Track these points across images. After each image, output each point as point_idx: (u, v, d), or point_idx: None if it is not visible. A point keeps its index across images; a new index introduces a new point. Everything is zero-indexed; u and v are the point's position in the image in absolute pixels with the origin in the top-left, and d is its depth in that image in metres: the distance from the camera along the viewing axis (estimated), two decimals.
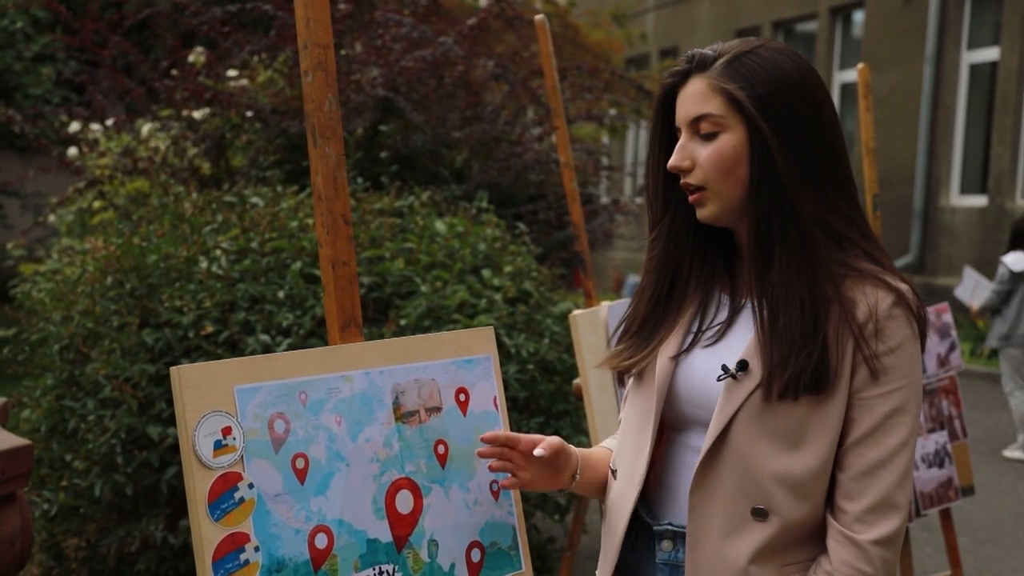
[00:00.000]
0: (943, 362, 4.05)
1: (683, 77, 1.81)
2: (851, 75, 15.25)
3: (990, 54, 13.41)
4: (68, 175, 6.62)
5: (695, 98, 1.77)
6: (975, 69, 13.69)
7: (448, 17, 7.60)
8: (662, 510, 1.86)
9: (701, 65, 1.78)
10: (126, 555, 3.70)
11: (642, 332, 1.90)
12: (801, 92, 1.75)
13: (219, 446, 1.56)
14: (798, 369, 1.68)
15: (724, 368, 1.76)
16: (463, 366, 1.87)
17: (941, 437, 3.96)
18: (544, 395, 4.07)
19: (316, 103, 1.77)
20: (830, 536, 1.73)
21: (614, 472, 1.95)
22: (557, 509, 4.19)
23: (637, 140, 20.85)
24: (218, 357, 3.63)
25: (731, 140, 1.74)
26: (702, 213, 1.80)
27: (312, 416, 1.66)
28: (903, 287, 1.73)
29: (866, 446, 1.70)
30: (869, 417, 1.70)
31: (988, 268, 12.85)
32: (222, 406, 1.57)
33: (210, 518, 1.54)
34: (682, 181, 1.80)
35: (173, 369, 1.54)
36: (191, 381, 1.55)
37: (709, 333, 1.84)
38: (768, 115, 1.72)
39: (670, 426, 1.87)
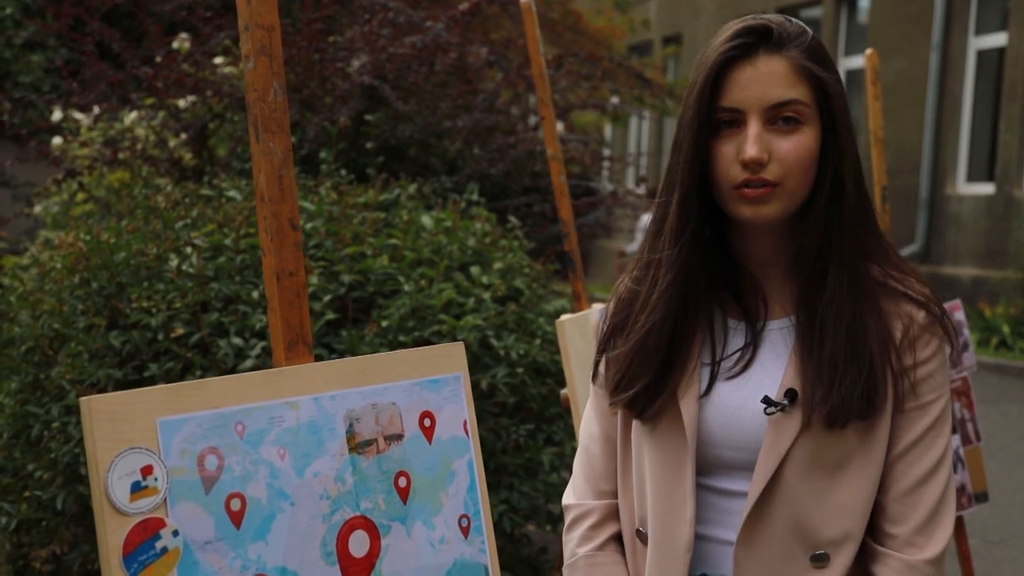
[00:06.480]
0: (955, 363, 3.83)
1: (747, 51, 1.54)
2: (856, 61, 15.01)
3: (997, 40, 13.18)
4: (48, 165, 6.41)
5: (777, 80, 1.51)
6: (982, 55, 13.47)
7: (443, 2, 7.39)
8: (693, 560, 1.64)
9: (779, 41, 1.53)
10: (91, 571, 3.50)
11: (652, 370, 1.63)
12: (844, 92, 1.57)
13: (137, 488, 1.34)
14: (849, 394, 1.51)
15: (768, 400, 1.55)
16: (428, 387, 1.66)
17: (953, 441, 3.75)
18: (536, 399, 3.87)
19: (259, 92, 1.55)
20: (879, 563, 1.57)
21: (642, 535, 1.69)
22: (549, 519, 3.99)
23: (640, 129, 20.61)
24: (188, 361, 3.43)
25: (813, 134, 1.53)
26: (765, 211, 1.53)
27: (250, 450, 1.45)
28: (931, 300, 1.58)
29: (908, 463, 1.56)
30: (910, 432, 1.56)
31: (996, 257, 12.63)
32: (141, 442, 1.36)
33: (126, 573, 1.33)
34: (752, 176, 1.52)
35: (83, 400, 1.33)
36: (104, 414, 1.33)
37: (728, 363, 1.62)
38: (841, 113, 1.54)
39: (696, 470, 1.64)
